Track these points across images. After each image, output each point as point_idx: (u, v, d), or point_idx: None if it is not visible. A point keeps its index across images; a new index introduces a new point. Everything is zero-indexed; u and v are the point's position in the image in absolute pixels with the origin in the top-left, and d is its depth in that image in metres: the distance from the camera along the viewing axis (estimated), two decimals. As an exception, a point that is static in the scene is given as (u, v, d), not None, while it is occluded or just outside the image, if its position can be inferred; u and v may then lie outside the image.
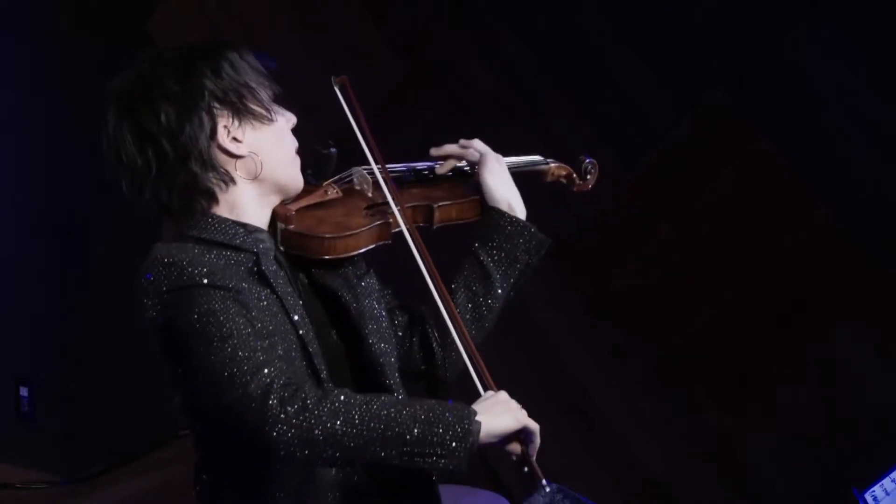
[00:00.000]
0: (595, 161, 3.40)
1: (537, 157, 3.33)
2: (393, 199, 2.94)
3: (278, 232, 2.87)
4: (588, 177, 3.39)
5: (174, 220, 2.84)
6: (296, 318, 2.79)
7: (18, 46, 5.34)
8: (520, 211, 3.12)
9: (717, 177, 4.87)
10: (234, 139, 2.84)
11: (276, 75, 2.89)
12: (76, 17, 5.40)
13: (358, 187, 3.03)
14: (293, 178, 2.91)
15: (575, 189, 3.38)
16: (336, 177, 3.04)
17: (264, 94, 2.88)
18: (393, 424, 2.62)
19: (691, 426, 4.92)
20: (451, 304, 2.89)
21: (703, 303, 4.90)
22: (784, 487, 4.84)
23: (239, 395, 2.61)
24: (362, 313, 2.89)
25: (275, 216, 2.88)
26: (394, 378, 2.90)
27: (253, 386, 2.60)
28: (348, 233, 2.88)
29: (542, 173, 3.32)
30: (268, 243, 2.85)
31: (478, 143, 3.14)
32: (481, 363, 2.85)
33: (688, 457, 4.93)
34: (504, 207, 3.09)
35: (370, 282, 2.97)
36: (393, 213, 2.92)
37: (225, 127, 2.83)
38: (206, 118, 2.81)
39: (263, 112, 2.86)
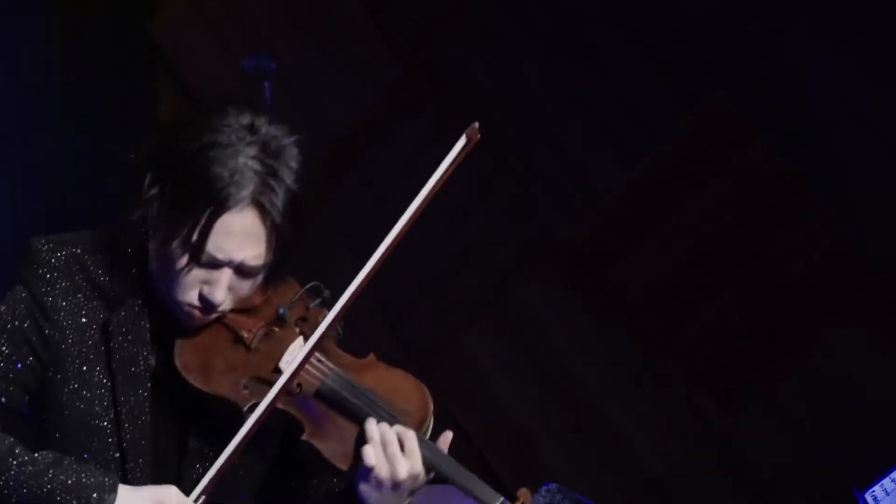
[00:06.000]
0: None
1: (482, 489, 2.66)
2: (271, 398, 2.68)
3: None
4: None
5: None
6: (119, 378, 2.77)
7: (18, 46, 5.34)
8: None
9: (716, 177, 4.87)
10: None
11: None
12: (76, 17, 5.40)
13: (278, 353, 2.77)
14: (172, 310, 2.76)
15: None
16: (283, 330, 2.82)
17: (182, 233, 2.68)
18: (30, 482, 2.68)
19: (691, 426, 4.92)
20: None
21: (703, 302, 4.90)
22: (784, 487, 4.84)
23: None
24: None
25: None
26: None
27: None
28: (204, 385, 2.72)
29: None
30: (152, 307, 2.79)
31: (372, 456, 2.65)
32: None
33: (688, 457, 4.93)
34: None
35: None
36: (257, 403, 2.69)
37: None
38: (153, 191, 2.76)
39: (164, 240, 2.71)
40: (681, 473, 4.94)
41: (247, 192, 2.68)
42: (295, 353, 2.74)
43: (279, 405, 2.71)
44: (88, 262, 2.81)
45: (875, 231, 4.73)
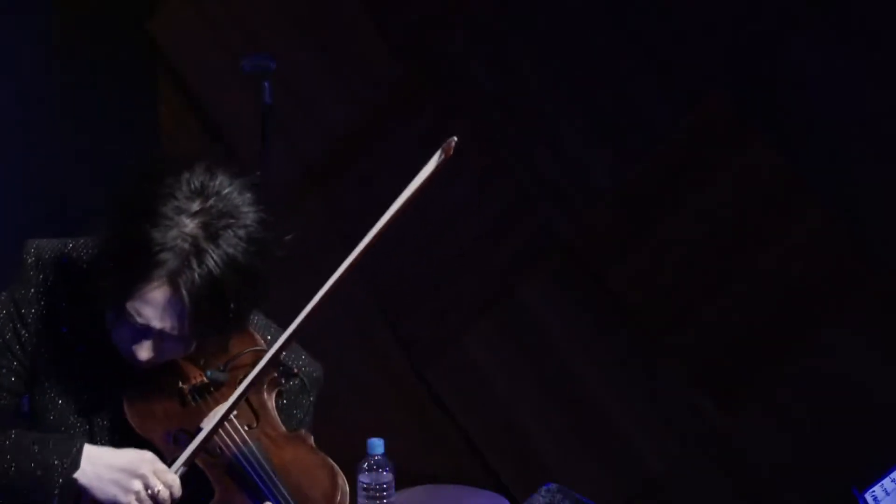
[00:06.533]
0: None
1: None
2: (192, 453, 2.70)
3: None
4: None
5: None
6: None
7: (18, 46, 5.33)
8: None
9: (716, 177, 4.87)
10: None
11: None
12: (76, 17, 5.40)
13: (206, 411, 2.78)
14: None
15: None
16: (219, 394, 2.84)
17: (110, 287, 2.68)
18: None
19: (691, 426, 4.92)
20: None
21: (703, 302, 4.90)
22: (784, 487, 4.83)
23: None
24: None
25: None
26: None
27: None
28: (139, 427, 2.74)
29: None
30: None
31: None
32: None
33: (688, 457, 4.93)
34: None
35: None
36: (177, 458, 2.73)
37: None
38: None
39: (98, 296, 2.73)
40: (681, 473, 4.94)
41: (166, 268, 2.63)
42: (218, 415, 2.72)
43: (198, 462, 2.70)
44: (74, 272, 2.79)
45: (875, 231, 4.72)
